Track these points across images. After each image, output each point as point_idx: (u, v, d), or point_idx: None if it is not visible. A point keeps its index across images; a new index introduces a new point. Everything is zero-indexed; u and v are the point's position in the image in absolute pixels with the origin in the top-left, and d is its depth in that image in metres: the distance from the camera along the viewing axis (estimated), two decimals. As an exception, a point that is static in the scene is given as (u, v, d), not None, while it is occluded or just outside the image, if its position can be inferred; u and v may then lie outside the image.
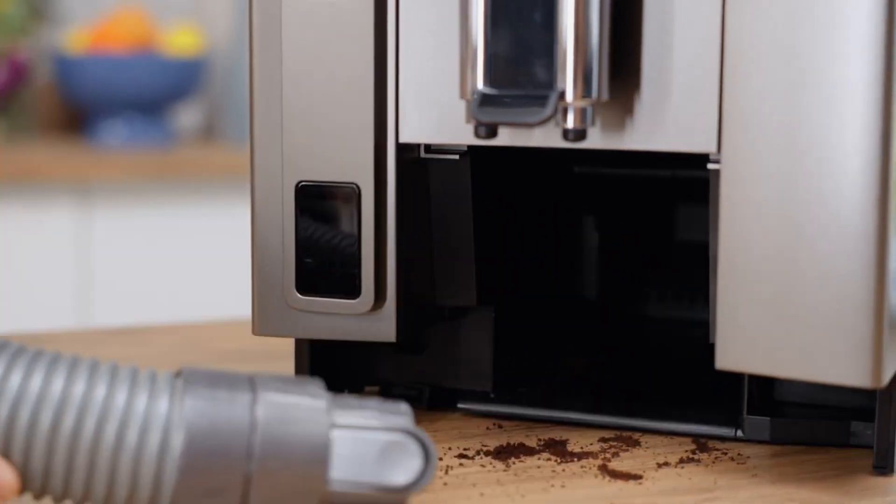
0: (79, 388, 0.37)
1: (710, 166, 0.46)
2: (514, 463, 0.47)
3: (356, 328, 0.50)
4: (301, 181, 0.50)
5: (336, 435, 0.38)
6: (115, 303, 1.54)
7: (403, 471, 0.38)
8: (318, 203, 0.50)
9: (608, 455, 0.48)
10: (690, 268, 0.58)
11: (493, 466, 0.46)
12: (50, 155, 1.64)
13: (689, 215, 0.63)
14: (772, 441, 0.50)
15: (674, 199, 0.63)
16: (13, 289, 1.52)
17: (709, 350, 0.45)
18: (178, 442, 0.37)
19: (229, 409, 0.38)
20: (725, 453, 0.49)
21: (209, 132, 1.96)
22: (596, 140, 0.46)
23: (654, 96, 0.45)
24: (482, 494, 0.43)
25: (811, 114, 0.42)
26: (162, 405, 0.38)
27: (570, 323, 0.62)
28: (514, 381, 0.55)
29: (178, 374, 0.39)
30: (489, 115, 0.44)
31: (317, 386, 0.40)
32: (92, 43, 1.75)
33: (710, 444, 0.50)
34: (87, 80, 1.73)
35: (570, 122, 0.44)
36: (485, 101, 0.44)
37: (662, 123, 0.45)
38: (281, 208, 0.50)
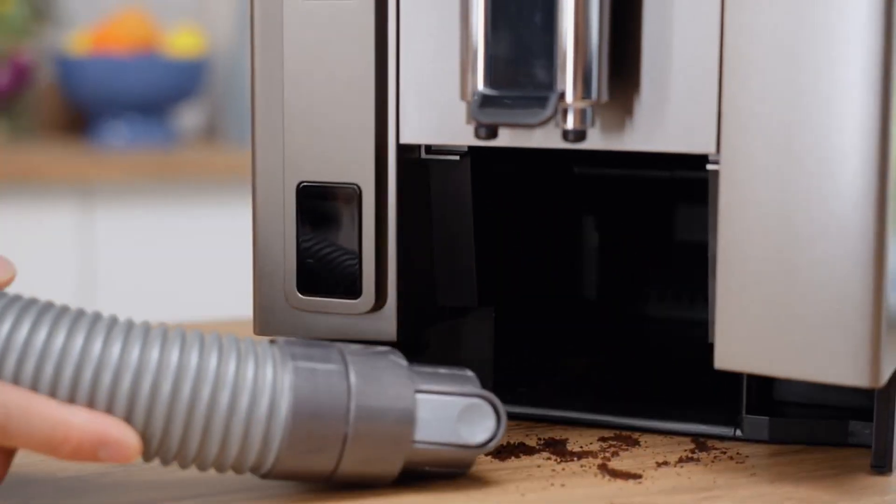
0: (193, 358, 0.40)
1: (709, 167, 0.46)
2: (513, 462, 0.47)
3: (357, 328, 0.50)
4: (302, 182, 0.50)
5: (420, 399, 0.42)
6: (116, 303, 1.54)
7: (480, 430, 0.43)
8: (319, 203, 0.50)
9: (608, 454, 0.48)
10: (690, 268, 0.58)
11: (493, 465, 0.47)
12: (52, 155, 1.65)
13: (688, 216, 0.63)
14: (770, 440, 0.50)
15: (673, 199, 0.63)
16: (15, 289, 1.52)
17: (708, 350, 0.45)
18: (285, 406, 0.41)
19: (327, 377, 0.42)
20: (724, 452, 0.49)
21: (211, 133, 1.97)
22: (596, 141, 0.46)
23: (653, 97, 0.46)
24: (482, 493, 0.44)
25: (810, 115, 0.43)
26: (268, 373, 0.41)
27: (570, 323, 0.62)
28: (514, 381, 0.56)
29: (272, 344, 0.43)
30: (489, 116, 0.44)
31: (397, 355, 0.44)
32: (94, 44, 1.75)
33: (710, 443, 0.50)
34: (89, 81, 1.73)
35: (570, 123, 0.45)
36: (485, 102, 0.45)
37: (662, 124, 0.46)
38: (282, 209, 0.51)
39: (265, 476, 0.42)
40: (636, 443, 0.50)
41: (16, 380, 0.39)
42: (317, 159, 0.50)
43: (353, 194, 0.49)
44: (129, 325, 0.41)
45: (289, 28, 0.50)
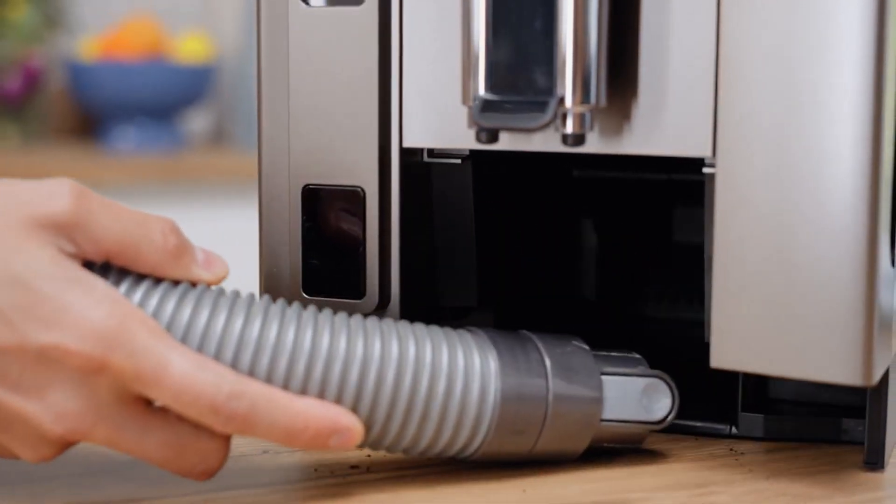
0: (411, 349, 0.43)
1: (706, 170, 0.47)
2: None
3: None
4: (307, 184, 0.51)
5: (605, 380, 0.46)
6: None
7: (659, 407, 0.46)
8: (323, 206, 0.51)
9: (605, 451, 0.49)
10: (687, 269, 0.59)
11: (494, 462, 0.47)
12: (62, 159, 1.66)
13: (685, 218, 0.63)
14: (765, 437, 0.51)
15: (670, 202, 0.63)
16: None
17: (705, 349, 0.46)
18: (494, 391, 0.43)
19: (527, 362, 0.44)
20: (720, 449, 0.50)
21: (218, 137, 1.98)
22: (594, 145, 0.47)
23: (650, 102, 0.46)
24: (484, 489, 0.45)
25: (804, 119, 0.43)
26: (476, 360, 0.44)
27: (569, 323, 0.63)
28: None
29: (470, 332, 0.45)
30: (490, 121, 0.45)
31: (579, 341, 0.47)
32: (104, 50, 1.77)
33: (706, 440, 0.51)
34: (99, 87, 1.75)
35: (570, 128, 0.45)
36: (486, 106, 0.45)
37: (659, 128, 0.46)
38: (287, 211, 0.51)
39: (468, 457, 0.44)
40: (634, 440, 0.51)
41: (251, 374, 0.41)
42: (321, 163, 0.51)
43: (356, 197, 0.50)
44: (347, 318, 0.43)
45: (294, 34, 0.50)
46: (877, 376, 0.44)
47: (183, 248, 0.42)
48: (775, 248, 0.44)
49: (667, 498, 0.44)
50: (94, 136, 1.83)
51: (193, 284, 0.43)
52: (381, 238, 0.50)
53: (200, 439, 0.41)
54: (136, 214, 0.42)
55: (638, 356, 0.47)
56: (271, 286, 0.52)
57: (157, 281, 0.42)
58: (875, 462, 0.47)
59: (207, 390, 0.39)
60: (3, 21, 1.72)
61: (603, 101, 0.45)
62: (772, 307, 0.44)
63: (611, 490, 0.45)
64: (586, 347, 0.46)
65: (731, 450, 0.50)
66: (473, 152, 0.51)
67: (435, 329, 0.44)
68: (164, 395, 0.40)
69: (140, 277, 0.42)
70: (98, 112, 1.78)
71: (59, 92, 1.86)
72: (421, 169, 0.52)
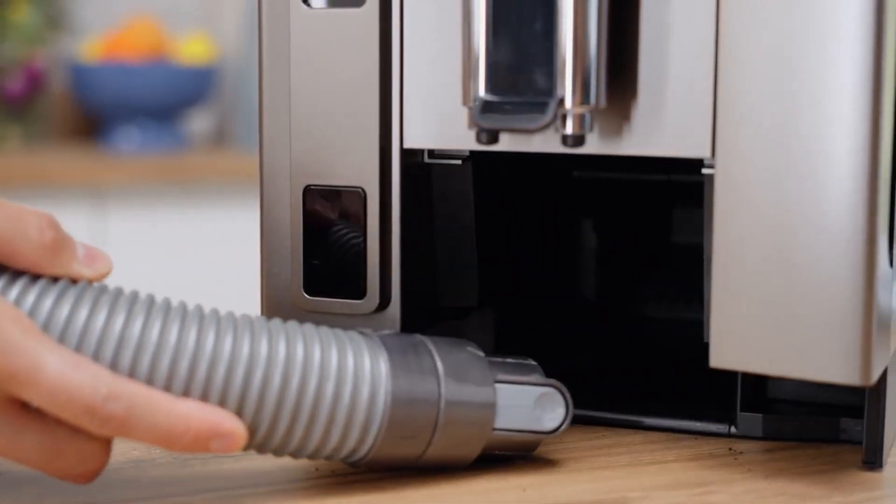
0: (299, 350, 0.42)
1: (705, 171, 0.47)
2: (513, 458, 0.48)
3: (362, 328, 0.51)
4: (308, 185, 0.51)
5: (499, 388, 0.45)
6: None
7: (552, 417, 0.45)
8: (324, 206, 0.51)
9: (605, 450, 0.49)
10: (686, 269, 0.59)
11: (495, 462, 0.48)
12: (65, 160, 1.67)
13: (685, 218, 0.64)
14: (764, 437, 0.51)
15: (670, 202, 0.64)
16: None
17: (704, 349, 0.46)
18: (384, 395, 0.42)
19: (419, 365, 0.43)
20: (720, 449, 0.50)
21: (220, 138, 1.98)
22: (594, 145, 0.47)
23: (650, 103, 0.47)
24: (483, 487, 0.45)
25: (803, 120, 0.43)
26: (367, 362, 0.43)
27: (569, 323, 0.63)
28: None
29: (362, 334, 0.44)
30: (490, 122, 0.45)
31: (473, 347, 0.46)
32: (106, 51, 1.77)
33: (705, 440, 0.51)
34: (101, 88, 1.75)
35: (569, 128, 0.45)
36: (486, 107, 0.45)
37: (658, 129, 0.47)
38: (289, 211, 0.52)
39: (356, 463, 0.43)
40: (633, 439, 0.51)
41: (132, 374, 0.40)
42: (322, 163, 0.51)
43: (357, 197, 0.50)
44: (234, 318, 0.42)
45: (295, 36, 0.51)
46: (875, 376, 0.44)
47: (61, 243, 0.41)
48: (775, 248, 0.44)
49: (666, 497, 0.44)
50: (96, 137, 1.84)
51: (74, 281, 0.41)
52: (381, 238, 0.50)
53: (78, 442, 0.39)
54: (11, 209, 0.41)
55: (533, 363, 0.46)
56: (272, 287, 0.52)
57: (35, 278, 0.40)
58: (873, 461, 0.47)
59: (83, 392, 0.38)
60: (6, 22, 1.73)
61: (603, 102, 0.46)
62: (771, 307, 0.44)
63: (611, 489, 0.45)
64: (481, 354, 0.45)
65: (729, 449, 0.50)
66: (474, 153, 0.51)
67: (325, 330, 0.43)
68: (39, 396, 0.38)
69: (17, 274, 0.40)
70: (100, 113, 1.79)
71: (61, 93, 1.87)
72: (421, 170, 0.52)
